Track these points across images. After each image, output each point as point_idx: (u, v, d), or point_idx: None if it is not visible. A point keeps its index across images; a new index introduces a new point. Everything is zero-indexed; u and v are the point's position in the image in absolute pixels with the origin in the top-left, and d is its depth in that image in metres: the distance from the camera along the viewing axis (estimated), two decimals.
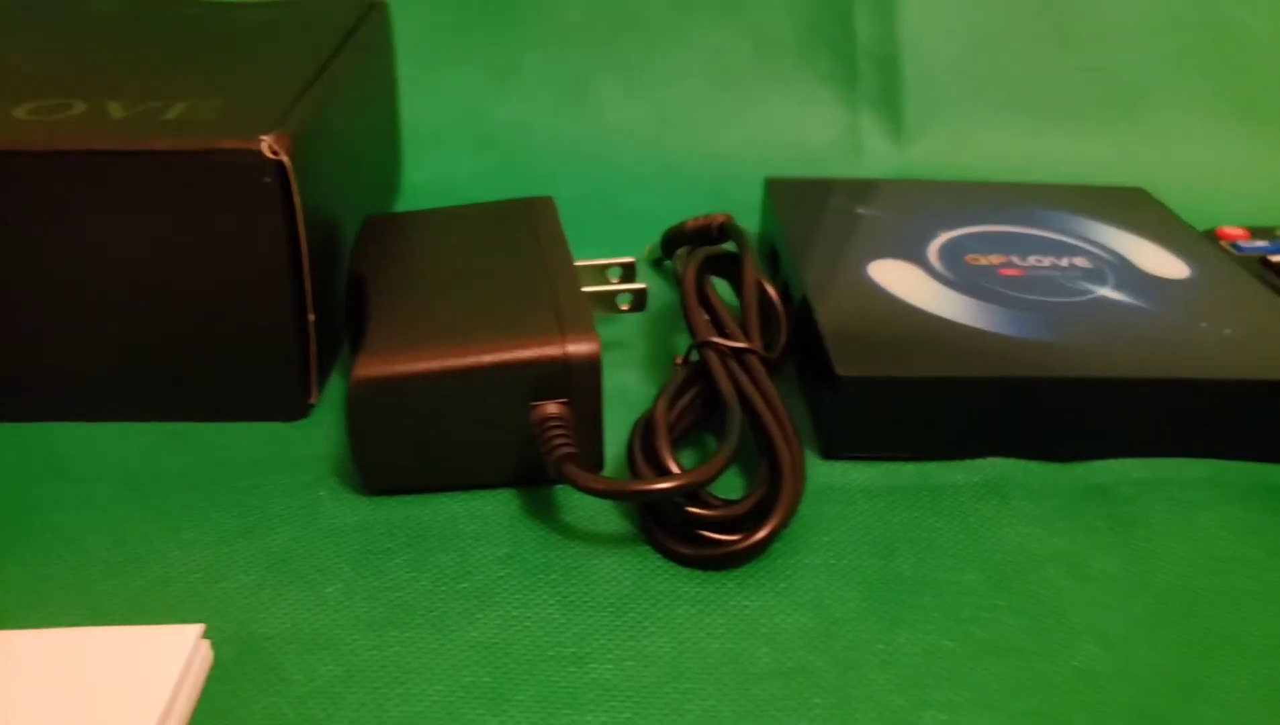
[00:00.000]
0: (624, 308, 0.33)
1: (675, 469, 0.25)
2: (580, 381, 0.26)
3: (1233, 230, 0.40)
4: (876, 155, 0.47)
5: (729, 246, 0.34)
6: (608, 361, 0.30)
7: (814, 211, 0.38)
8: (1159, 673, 0.22)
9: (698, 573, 0.25)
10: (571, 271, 0.29)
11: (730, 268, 0.33)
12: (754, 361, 0.29)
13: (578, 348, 0.26)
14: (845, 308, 0.31)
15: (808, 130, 0.48)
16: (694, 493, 0.25)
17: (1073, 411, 0.29)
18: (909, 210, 0.38)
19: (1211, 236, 0.40)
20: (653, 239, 0.39)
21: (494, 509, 0.26)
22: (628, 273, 0.34)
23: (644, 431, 0.27)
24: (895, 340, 0.29)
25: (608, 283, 0.34)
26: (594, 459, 0.27)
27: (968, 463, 0.29)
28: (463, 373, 0.25)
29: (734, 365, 0.29)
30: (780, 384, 0.29)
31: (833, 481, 0.28)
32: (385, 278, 0.29)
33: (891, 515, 0.27)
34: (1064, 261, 0.34)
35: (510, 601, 0.24)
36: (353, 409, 0.25)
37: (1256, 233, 0.40)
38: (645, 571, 0.25)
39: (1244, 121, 0.47)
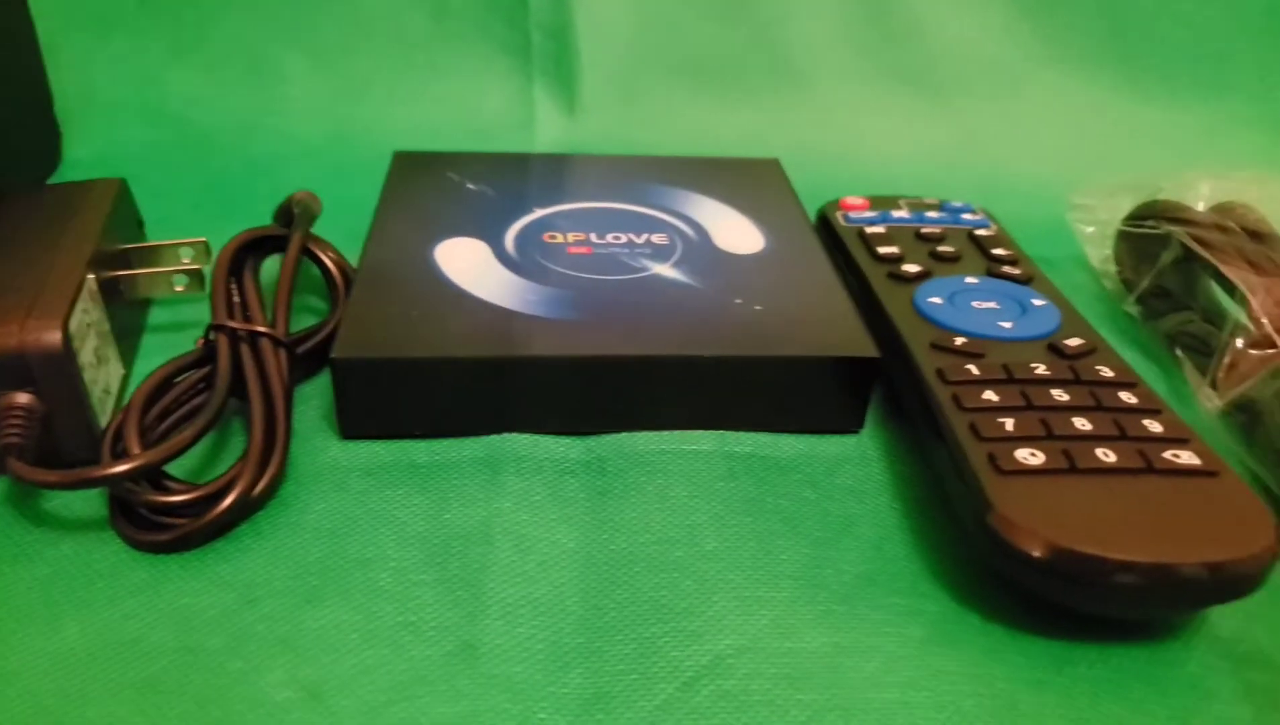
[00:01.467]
0: (179, 289, 0.33)
1: (136, 450, 0.26)
2: (45, 370, 0.26)
3: (855, 201, 0.41)
4: (549, 127, 0.48)
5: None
6: None
7: (420, 187, 0.38)
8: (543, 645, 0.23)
9: (152, 556, 0.25)
10: (78, 260, 0.29)
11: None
12: (266, 344, 0.29)
13: (37, 337, 0.26)
14: (383, 289, 0.31)
15: (483, 102, 0.48)
16: (150, 475, 0.25)
17: (576, 389, 0.29)
18: (520, 186, 0.38)
19: (831, 207, 0.41)
20: None
21: None
22: (200, 253, 0.34)
23: (119, 420, 0.27)
24: (409, 322, 0.29)
25: (179, 263, 0.34)
26: (82, 447, 0.27)
27: (479, 439, 0.29)
28: None
29: (245, 349, 0.29)
30: None
31: (336, 462, 0.28)
32: None
33: (372, 495, 0.27)
34: (641, 238, 0.35)
35: None
36: None
37: (877, 204, 0.41)
38: (95, 558, 0.25)
39: (911, 95, 0.48)
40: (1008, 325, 0.31)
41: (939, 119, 0.48)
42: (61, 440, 0.27)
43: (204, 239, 0.34)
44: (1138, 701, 0.22)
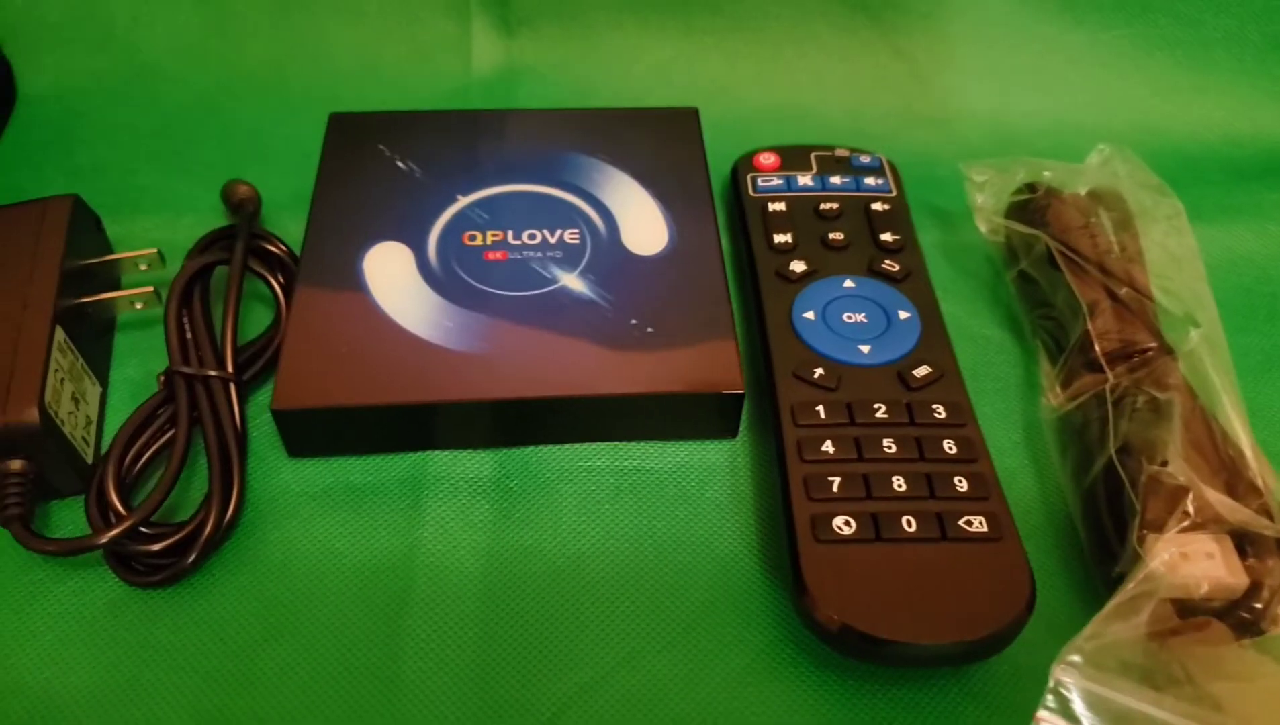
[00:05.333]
0: (139, 307, 0.37)
1: (121, 511, 0.31)
2: (29, 442, 0.31)
3: (767, 159, 0.44)
4: (486, 46, 0.49)
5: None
6: None
7: (353, 165, 0.41)
8: None
9: (143, 592, 0.31)
10: (43, 315, 0.33)
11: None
12: (217, 385, 0.34)
13: (17, 416, 0.31)
14: (315, 323, 0.35)
15: (421, 20, 0.49)
16: (135, 533, 0.31)
17: (489, 420, 0.34)
18: (445, 162, 0.41)
19: (745, 164, 0.43)
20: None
21: None
22: (154, 262, 0.38)
23: (99, 477, 0.32)
24: (340, 361, 0.34)
25: (138, 270, 0.38)
26: (72, 481, 0.33)
27: (407, 457, 0.35)
28: None
29: (200, 388, 0.34)
30: None
31: (286, 486, 0.34)
32: None
33: (316, 522, 0.33)
34: (554, 236, 0.38)
35: None
36: None
37: (788, 161, 0.43)
38: (94, 595, 0.31)
39: (848, 15, 0.49)
40: (866, 350, 0.35)
41: (872, 44, 0.49)
42: (53, 480, 0.33)
43: (155, 250, 0.38)
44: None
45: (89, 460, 0.33)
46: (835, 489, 0.31)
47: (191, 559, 0.31)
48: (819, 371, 0.34)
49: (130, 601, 0.31)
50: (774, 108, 0.49)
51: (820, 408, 0.33)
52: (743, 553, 0.33)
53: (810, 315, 0.36)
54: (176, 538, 0.31)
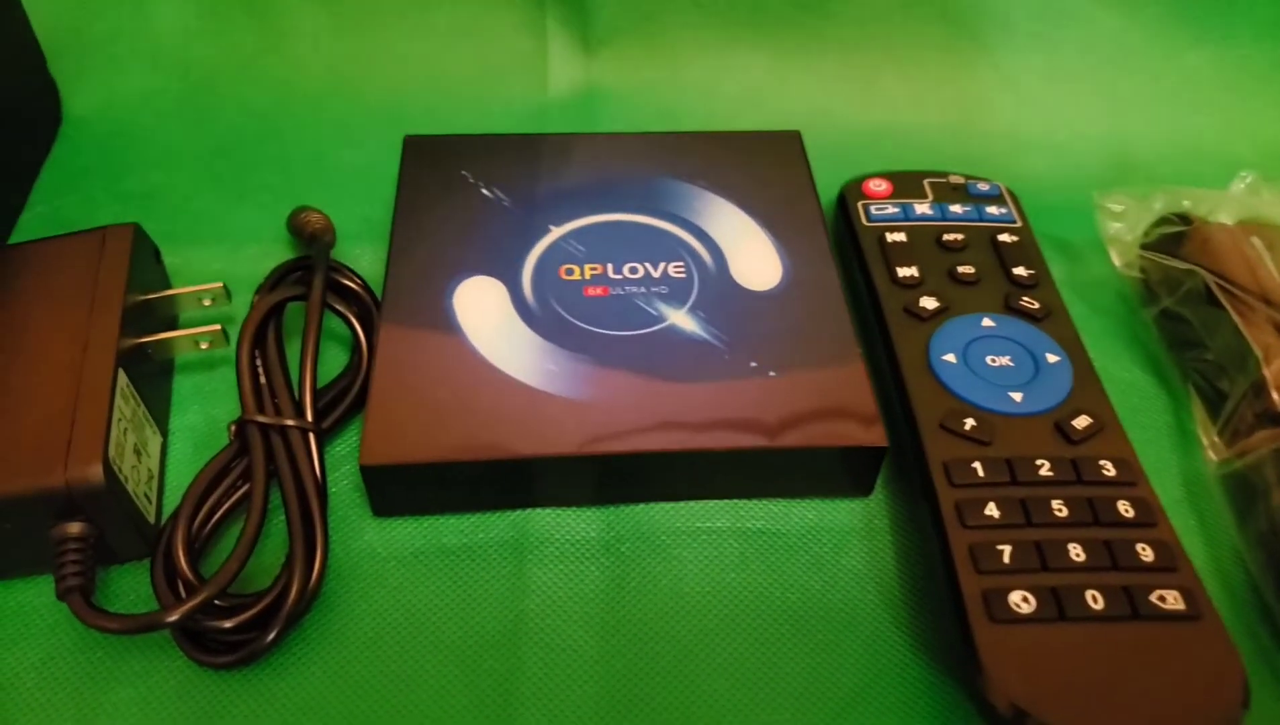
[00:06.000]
0: (204, 347, 0.33)
1: (194, 581, 0.28)
2: (92, 502, 0.27)
3: (878, 186, 0.40)
4: (563, 65, 0.45)
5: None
6: None
7: (434, 193, 0.37)
8: None
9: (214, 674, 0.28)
10: (106, 357, 0.29)
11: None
12: (296, 437, 0.30)
13: (81, 473, 0.27)
14: (404, 365, 0.31)
15: (494, 35, 0.45)
16: (209, 607, 0.28)
17: (595, 475, 0.31)
18: (533, 189, 0.37)
19: (854, 191, 0.40)
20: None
21: (41, 601, 0.29)
22: (219, 297, 0.34)
23: (167, 541, 0.29)
24: (433, 411, 0.30)
25: (200, 306, 0.34)
26: (134, 545, 0.29)
27: (505, 516, 0.31)
28: None
29: (277, 440, 0.30)
30: None
31: (372, 549, 0.30)
32: None
33: (406, 592, 0.30)
34: (658, 270, 0.35)
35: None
36: None
37: (900, 187, 0.40)
38: (164, 676, 0.28)
39: (945, 35, 0.45)
40: (1018, 398, 0.31)
41: (973, 63, 0.45)
42: (113, 543, 0.29)
43: (220, 284, 0.34)
44: None
45: (151, 519, 0.30)
46: (1006, 559, 0.27)
47: (272, 636, 0.27)
48: (970, 422, 0.31)
49: (200, 684, 0.27)
50: (871, 132, 0.45)
51: (977, 465, 0.29)
52: (890, 630, 0.29)
53: (951, 358, 0.33)
54: (254, 611, 0.28)
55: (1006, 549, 0.27)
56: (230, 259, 0.38)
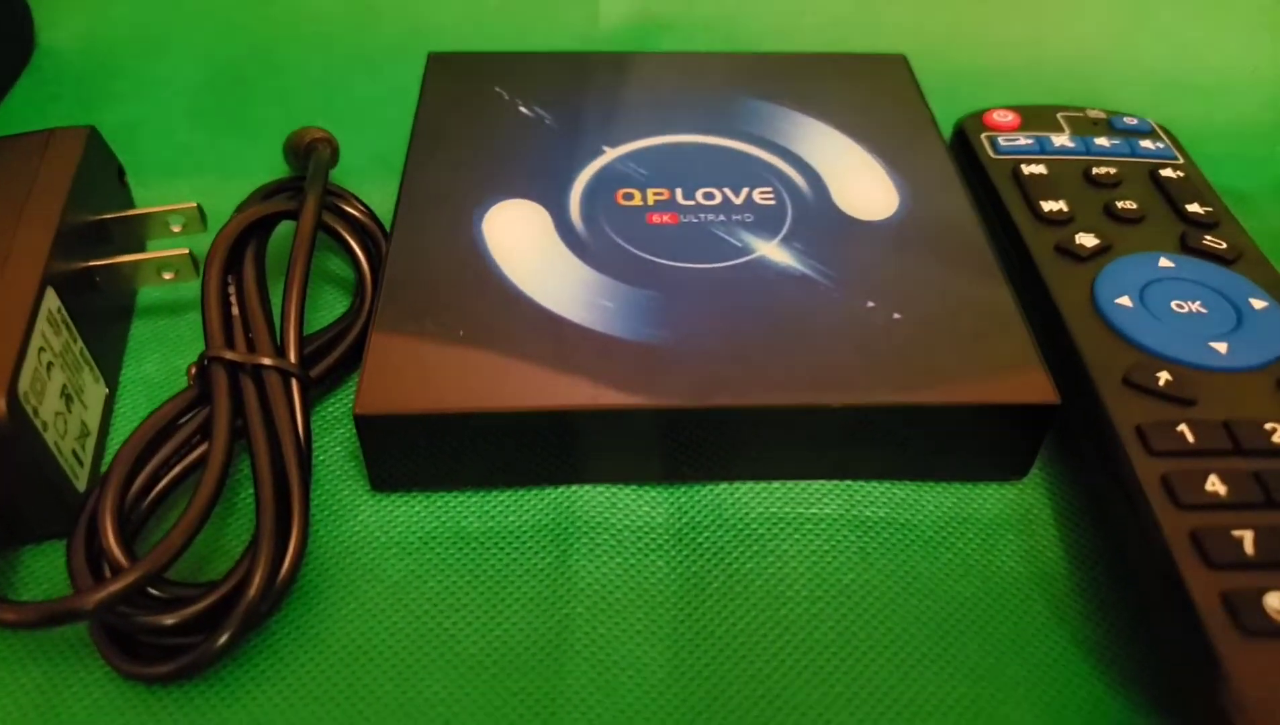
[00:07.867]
0: (168, 277, 0.26)
1: (122, 561, 0.20)
2: None
3: (1003, 117, 0.33)
4: None
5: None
6: None
7: (462, 111, 0.30)
8: None
9: (146, 690, 0.20)
10: (31, 271, 0.23)
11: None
12: (274, 380, 0.23)
13: None
14: (416, 297, 0.24)
15: None
16: (141, 595, 0.20)
17: (663, 439, 0.23)
18: (582, 107, 0.31)
19: (974, 123, 0.33)
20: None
21: None
22: (192, 220, 0.27)
23: (92, 509, 0.21)
24: (454, 350, 0.23)
25: (169, 233, 0.27)
26: (53, 517, 0.22)
27: (542, 493, 0.24)
28: None
29: (248, 383, 0.23)
30: None
31: (367, 533, 0.23)
32: None
33: (412, 590, 0.22)
34: (740, 196, 0.28)
35: None
36: None
37: (1030, 120, 0.33)
38: (70, 693, 0.20)
39: None
40: (1221, 348, 0.24)
41: None
42: (26, 512, 0.22)
43: (195, 204, 0.27)
44: None
45: (81, 487, 0.22)
46: (1250, 550, 0.19)
47: (225, 639, 0.20)
48: (1164, 376, 0.23)
49: (125, 704, 0.20)
50: (978, 72, 0.38)
51: (1184, 428, 0.22)
52: (1071, 655, 0.21)
53: (1125, 301, 0.25)
54: (203, 604, 0.20)
55: (1247, 536, 0.20)
56: (214, 193, 0.31)
